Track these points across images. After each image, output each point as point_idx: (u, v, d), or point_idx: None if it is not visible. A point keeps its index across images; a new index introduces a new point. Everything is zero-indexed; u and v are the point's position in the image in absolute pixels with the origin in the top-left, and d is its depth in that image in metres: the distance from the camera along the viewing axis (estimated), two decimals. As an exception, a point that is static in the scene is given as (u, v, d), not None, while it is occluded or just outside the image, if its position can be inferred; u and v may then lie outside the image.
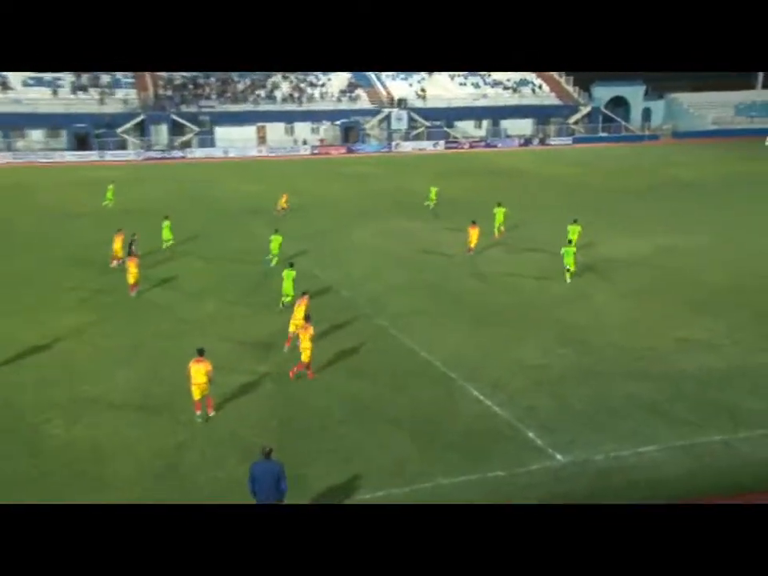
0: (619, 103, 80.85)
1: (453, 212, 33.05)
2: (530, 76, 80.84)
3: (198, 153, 63.59)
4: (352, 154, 66.58)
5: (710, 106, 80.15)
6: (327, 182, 45.45)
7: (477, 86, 78.54)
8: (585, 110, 77.24)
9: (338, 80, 74.33)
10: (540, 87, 79.78)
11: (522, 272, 22.96)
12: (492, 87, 78.49)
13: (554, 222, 29.29)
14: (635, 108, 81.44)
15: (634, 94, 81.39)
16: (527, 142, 73.61)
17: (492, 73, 77.58)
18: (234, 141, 65.91)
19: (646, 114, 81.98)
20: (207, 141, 65.39)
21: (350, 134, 69.81)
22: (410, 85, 76.40)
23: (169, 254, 25.53)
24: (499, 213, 28.65)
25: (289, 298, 19.43)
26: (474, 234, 25.98)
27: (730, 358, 16.02)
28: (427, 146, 70.41)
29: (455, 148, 70.73)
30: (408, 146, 69.81)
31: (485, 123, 75.67)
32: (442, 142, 70.50)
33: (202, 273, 23.25)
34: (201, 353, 14.22)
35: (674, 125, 79.55)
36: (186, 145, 64.36)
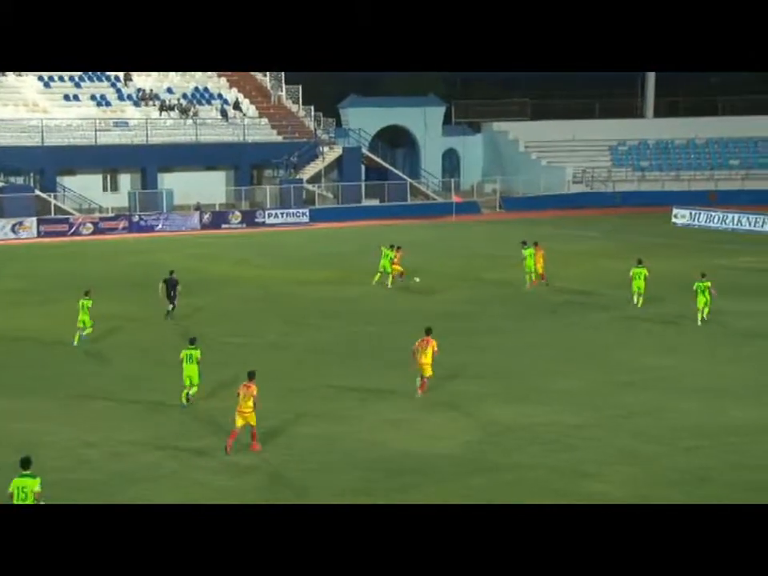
0: (399, 140, 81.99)
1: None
2: (216, 84, 77.73)
3: None
4: None
5: (564, 148, 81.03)
6: None
7: (103, 101, 73.21)
8: (332, 154, 74.54)
9: None
10: (238, 107, 75.47)
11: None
12: (137, 105, 73.73)
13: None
14: (430, 149, 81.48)
15: (425, 121, 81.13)
16: (218, 219, 68.44)
17: (134, 74, 75.27)
18: None
19: (451, 160, 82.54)
20: None
21: None
22: (-52, 95, 70.48)
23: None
24: (529, 256, 41.88)
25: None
26: (538, 257, 41.90)
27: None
28: (-6, 228, 63.72)
29: (62, 234, 63.66)
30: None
31: (125, 180, 70.76)
32: (32, 221, 63.24)
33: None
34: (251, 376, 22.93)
35: (505, 185, 79.38)
36: None
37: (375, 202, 72.79)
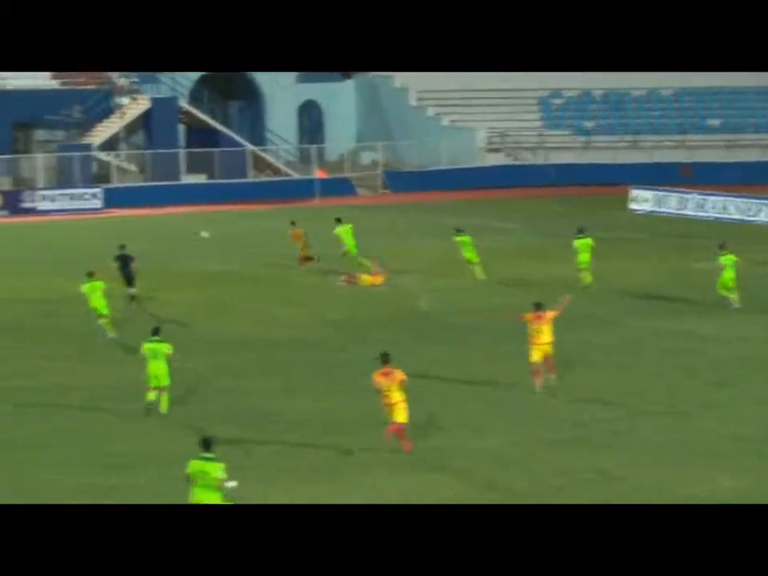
0: (235, 89, 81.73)
1: None
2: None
3: None
4: None
5: (475, 102, 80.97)
6: None
7: None
8: (136, 108, 72.86)
9: None
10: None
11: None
12: None
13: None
14: (280, 102, 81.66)
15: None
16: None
17: None
18: None
19: (311, 117, 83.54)
20: None
21: None
22: None
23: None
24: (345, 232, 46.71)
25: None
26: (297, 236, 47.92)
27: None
28: None
29: None
30: None
31: None
32: None
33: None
34: None
35: (390, 154, 79.43)
36: None
37: (201, 179, 72.14)
